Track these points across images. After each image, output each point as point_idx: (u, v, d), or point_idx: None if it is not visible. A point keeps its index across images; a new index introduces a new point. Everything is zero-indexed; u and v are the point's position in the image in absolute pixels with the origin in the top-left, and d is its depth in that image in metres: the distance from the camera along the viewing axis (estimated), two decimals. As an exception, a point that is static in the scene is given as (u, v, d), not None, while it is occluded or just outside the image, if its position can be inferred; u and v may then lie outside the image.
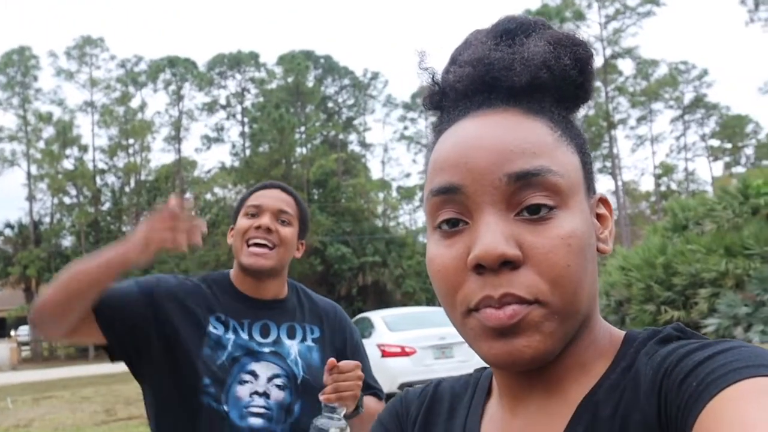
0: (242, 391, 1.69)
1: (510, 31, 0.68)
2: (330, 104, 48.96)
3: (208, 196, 45.04)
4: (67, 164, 38.93)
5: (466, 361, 10.40)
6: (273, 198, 1.82)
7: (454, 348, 10.63)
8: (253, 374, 1.72)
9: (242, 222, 1.79)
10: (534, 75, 0.65)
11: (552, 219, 0.60)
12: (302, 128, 43.98)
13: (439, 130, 0.70)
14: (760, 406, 0.46)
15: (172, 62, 42.43)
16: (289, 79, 44.16)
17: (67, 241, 39.51)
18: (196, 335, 1.71)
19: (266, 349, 1.76)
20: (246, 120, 44.18)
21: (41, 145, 38.75)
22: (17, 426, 12.17)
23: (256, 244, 1.75)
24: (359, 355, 1.94)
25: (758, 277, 16.30)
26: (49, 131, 38.91)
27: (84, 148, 39.56)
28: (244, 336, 1.75)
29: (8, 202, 78.81)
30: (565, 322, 0.61)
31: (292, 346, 1.81)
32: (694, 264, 17.90)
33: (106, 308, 1.63)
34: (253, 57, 44.69)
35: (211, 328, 1.73)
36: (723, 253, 17.58)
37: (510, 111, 0.65)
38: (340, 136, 47.69)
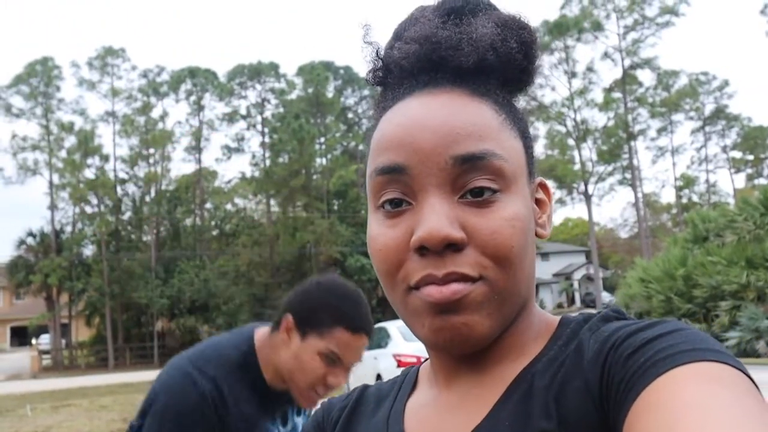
0: None
1: (457, 9, 0.67)
2: (350, 115, 49.03)
3: (229, 207, 45.24)
4: (89, 173, 39.23)
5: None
6: (357, 351, 1.64)
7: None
8: None
9: (316, 365, 1.60)
10: (481, 56, 0.64)
11: (495, 202, 0.60)
12: (322, 139, 44.05)
13: (383, 107, 0.69)
14: (701, 390, 0.48)
15: (192, 73, 42.70)
16: (309, 90, 44.27)
17: (88, 250, 39.78)
18: None
19: None
20: (266, 130, 44.31)
21: (63, 154, 39.04)
22: (35, 434, 12.17)
23: (320, 390, 1.64)
24: None
25: (783, 290, 16.06)
26: (71, 141, 39.23)
27: (105, 158, 39.84)
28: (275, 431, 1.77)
29: (31, 210, 79.66)
30: (505, 304, 0.61)
31: (299, 423, 1.83)
32: (714, 276, 17.59)
33: None
34: (273, 68, 44.87)
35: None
36: (744, 265, 17.26)
37: (456, 92, 0.64)
38: (360, 147, 47.72)
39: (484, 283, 0.59)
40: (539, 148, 42.02)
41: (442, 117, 0.62)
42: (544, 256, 55.82)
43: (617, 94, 39.13)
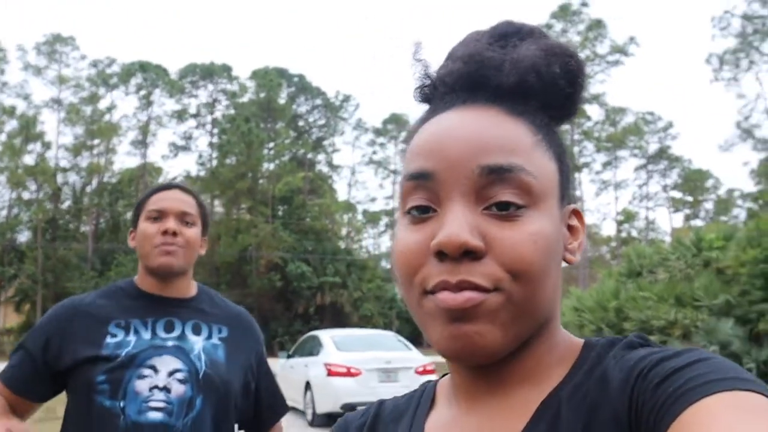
0: (141, 386, 1.68)
1: (506, 34, 0.69)
2: (300, 123, 49.18)
3: (170, 203, 44.62)
4: (29, 159, 38.36)
5: (410, 387, 10.52)
6: (175, 200, 1.82)
7: (399, 372, 10.80)
8: (153, 368, 1.70)
9: (146, 226, 1.79)
10: (522, 77, 0.65)
11: (520, 217, 0.60)
12: (271, 144, 44.10)
13: (422, 120, 0.70)
14: (734, 420, 0.48)
15: (143, 67, 42.22)
16: (261, 95, 44.32)
17: (23, 236, 38.81)
18: (91, 349, 1.71)
19: (169, 343, 1.75)
20: (215, 131, 44.09)
21: (3, 138, 38.10)
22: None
23: (163, 244, 1.77)
24: (265, 365, 2.00)
25: (705, 329, 16.86)
26: (12, 125, 38.30)
27: (47, 145, 39.06)
28: (146, 335, 1.75)
29: (-38, 192, 76.53)
30: (521, 318, 0.61)
31: (197, 342, 1.79)
32: (645, 311, 18.40)
33: (27, 394, 1.78)
34: (226, 69, 44.76)
35: (108, 339, 1.73)
36: (673, 303, 18.09)
37: (493, 109, 0.65)
38: (309, 155, 47.89)
39: (499, 295, 0.59)
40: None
41: (473, 128, 0.63)
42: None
43: (565, 126, 40.47)
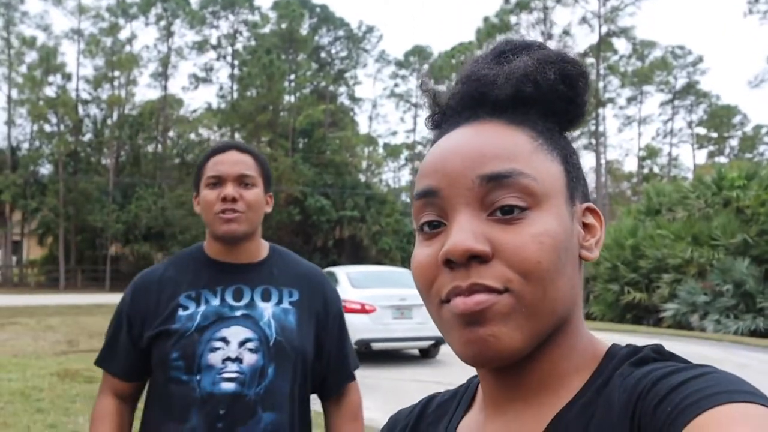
0: (214, 359, 1.71)
1: (503, 51, 0.70)
2: (322, 54, 48.48)
3: (192, 136, 44.73)
4: (50, 91, 38.32)
5: (424, 323, 10.61)
6: (232, 163, 1.80)
7: (413, 309, 10.83)
8: (224, 340, 1.73)
9: (207, 193, 1.79)
10: (517, 88, 0.67)
11: (524, 219, 0.62)
12: (292, 76, 43.61)
13: (432, 142, 0.73)
14: None
15: (164, -4, 41.65)
16: (283, 26, 43.56)
17: (45, 169, 39.17)
18: (165, 323, 1.76)
19: (238, 313, 1.77)
20: (236, 63, 43.66)
21: (24, 69, 38.07)
22: (-22, 349, 12.28)
23: (224, 211, 1.76)
24: (338, 326, 1.95)
25: (720, 268, 16.63)
26: (32, 56, 38.18)
27: (68, 77, 38.92)
28: (215, 302, 1.77)
29: (-12, 123, 77.32)
30: (535, 318, 0.61)
31: (266, 309, 1.80)
32: (661, 249, 18.17)
33: (136, 377, 1.86)
34: (248, 0, 44.00)
35: (180, 312, 1.76)
36: (690, 241, 17.84)
37: (493, 122, 0.67)
38: (330, 88, 47.35)
39: (510, 296, 0.60)
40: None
41: (471, 142, 0.65)
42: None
43: (590, 60, 39.27)
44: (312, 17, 47.19)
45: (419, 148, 45.55)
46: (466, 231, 0.61)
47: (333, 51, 49.49)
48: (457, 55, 43.71)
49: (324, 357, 1.89)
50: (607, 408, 0.59)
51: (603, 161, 43.99)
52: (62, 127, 38.52)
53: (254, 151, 1.87)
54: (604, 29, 40.83)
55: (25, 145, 38.95)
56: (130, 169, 40.35)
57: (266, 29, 44.59)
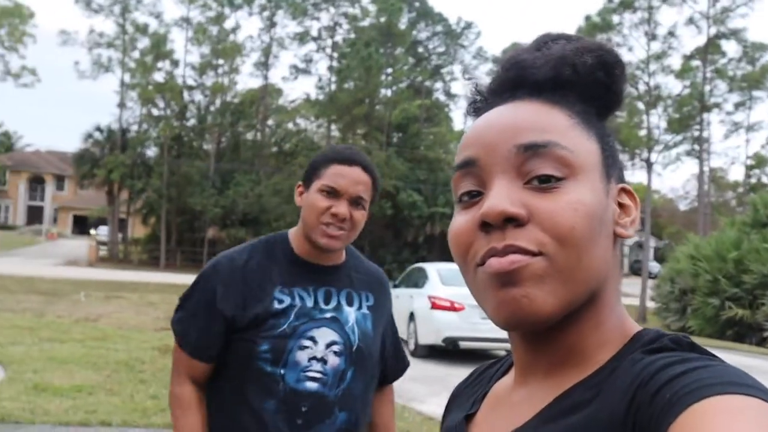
0: (301, 356, 1.76)
1: (545, 41, 0.72)
2: (420, 49, 48.43)
3: (290, 126, 45.68)
4: (158, 77, 39.93)
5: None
6: (353, 181, 1.80)
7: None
8: (313, 340, 1.78)
9: (318, 199, 1.79)
10: (556, 70, 0.69)
11: (560, 188, 0.64)
12: (389, 70, 43.75)
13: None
14: (727, 423, 0.47)
15: (269, -13, 42.61)
16: (382, 19, 43.76)
17: (151, 152, 40.84)
18: (259, 318, 1.78)
19: (327, 315, 1.82)
20: (335, 55, 44.22)
21: (136, 54, 39.78)
22: (87, 319, 13.01)
23: (331, 226, 1.78)
24: (393, 324, 2.08)
25: (832, 287, 15.70)
26: (144, 42, 39.82)
27: (175, 63, 40.44)
28: (309, 303, 1.81)
29: (101, 106, 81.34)
30: (568, 284, 0.62)
31: (351, 314, 1.86)
32: (767, 264, 17.30)
33: (212, 359, 1.84)
34: (350, -8, 44.42)
35: (275, 305, 1.78)
36: (800, 257, 16.90)
37: (530, 101, 0.69)
38: (426, 83, 47.27)
39: (544, 259, 0.62)
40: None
41: (509, 115, 0.68)
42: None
43: (696, 63, 37.61)
44: (411, 11, 47.21)
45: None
46: (502, 195, 0.63)
47: (430, 46, 49.37)
48: (557, 53, 42.75)
49: (385, 355, 2.01)
50: (611, 391, 0.60)
51: (706, 169, 42.16)
52: (168, 111, 40.12)
53: (375, 171, 1.88)
54: (713, 30, 39.05)
55: (134, 128, 40.75)
56: (230, 155, 41.56)
57: (365, 22, 44.90)
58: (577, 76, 0.69)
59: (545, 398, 0.66)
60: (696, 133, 39.76)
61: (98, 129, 39.85)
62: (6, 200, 63.95)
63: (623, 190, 0.72)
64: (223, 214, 37.36)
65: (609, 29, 39.15)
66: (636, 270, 51.49)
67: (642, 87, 40.08)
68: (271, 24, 43.48)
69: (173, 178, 37.80)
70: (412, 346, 11.45)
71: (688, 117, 38.21)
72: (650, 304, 22.98)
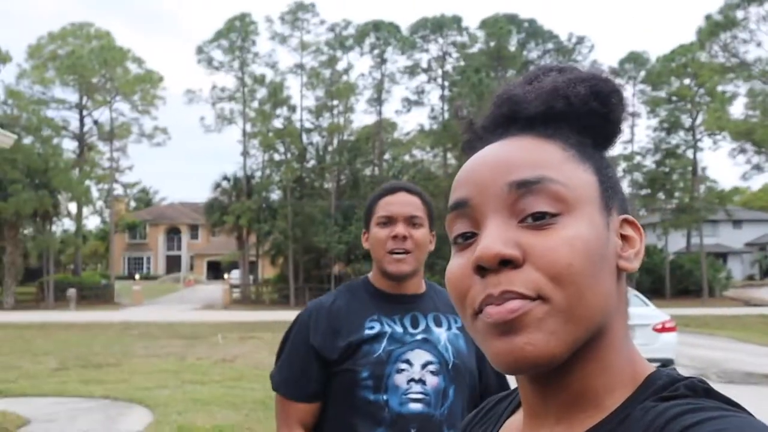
0: (400, 380, 1.81)
1: (537, 75, 0.72)
2: (531, 68, 47.81)
3: (407, 158, 46.10)
4: (277, 123, 41.54)
5: (647, 344, 9.94)
6: (401, 204, 1.91)
7: (636, 330, 10.17)
8: (408, 362, 1.83)
9: (377, 231, 1.91)
10: (548, 104, 0.67)
11: (555, 224, 0.62)
12: (501, 93, 43.40)
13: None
14: None
15: (377, 26, 43.47)
16: (491, 44, 43.64)
17: (275, 195, 42.46)
18: (351, 346, 1.84)
19: (418, 337, 1.87)
20: (446, 83, 44.41)
21: (255, 104, 41.61)
22: (224, 360, 13.48)
23: (395, 252, 1.87)
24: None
25: None
26: (262, 92, 41.61)
27: (293, 108, 41.97)
28: (399, 329, 1.87)
29: (226, 156, 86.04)
30: (570, 323, 0.60)
31: (441, 334, 1.90)
32: None
33: (316, 398, 1.89)
34: (456, 21, 44.60)
35: (366, 331, 1.86)
36: None
37: (523, 137, 0.68)
38: (540, 102, 46.50)
39: (543, 302, 0.59)
40: (738, 108, 38.52)
41: (500, 152, 0.66)
42: (736, 223, 51.96)
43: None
44: (520, 32, 46.75)
45: (637, 158, 43.11)
46: (494, 236, 0.61)
47: (542, 64, 48.61)
48: (677, 58, 40.96)
49: (484, 378, 1.98)
50: None
51: None
52: (289, 155, 41.59)
53: (421, 192, 1.99)
54: None
55: (258, 174, 42.51)
56: (350, 192, 42.38)
57: (474, 48, 44.91)
58: (571, 108, 0.67)
59: None
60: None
61: (225, 178, 41.93)
62: (147, 252, 68.17)
63: (626, 221, 0.69)
64: (347, 249, 37.99)
65: (733, 26, 37.05)
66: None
67: (776, 83, 37.57)
68: (382, 60, 44.30)
69: (297, 219, 38.97)
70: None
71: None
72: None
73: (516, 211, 0.63)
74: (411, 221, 1.89)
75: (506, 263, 0.60)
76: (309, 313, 1.94)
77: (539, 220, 0.62)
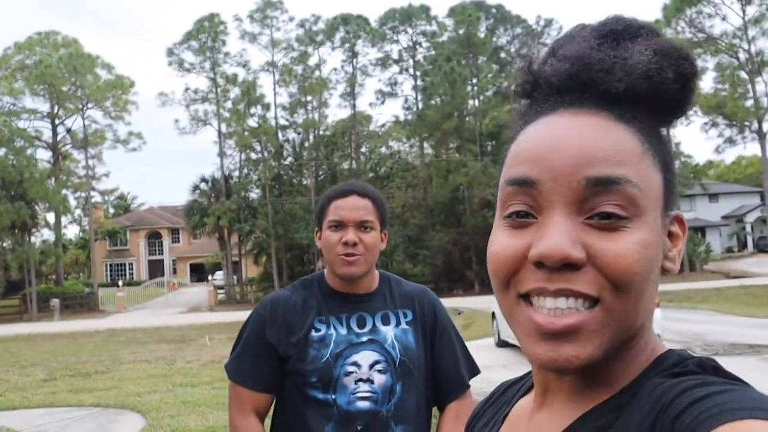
0: (348, 381, 1.90)
1: (616, 32, 0.65)
2: (502, 54, 48.00)
3: (383, 150, 46.21)
4: (252, 122, 41.52)
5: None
6: (352, 209, 1.95)
7: None
8: (356, 364, 1.91)
9: (329, 235, 1.95)
10: (633, 83, 0.62)
11: (623, 228, 0.59)
12: (474, 80, 43.63)
13: (525, 120, 0.68)
14: None
15: (345, 20, 43.45)
16: (460, 31, 43.76)
17: (254, 194, 42.46)
18: (300, 344, 1.93)
19: (364, 338, 1.95)
20: (418, 74, 44.52)
21: (229, 105, 41.53)
22: (213, 362, 13.51)
23: (346, 255, 1.92)
24: (448, 337, 2.08)
25: None
26: (235, 92, 41.57)
27: (267, 107, 41.93)
28: (343, 331, 1.95)
29: (203, 158, 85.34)
30: (619, 334, 0.60)
31: (388, 332, 1.98)
32: None
33: (271, 389, 1.98)
34: (424, 10, 44.68)
35: (313, 333, 1.94)
36: None
37: (601, 115, 0.63)
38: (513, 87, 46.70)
39: (601, 308, 0.58)
40: (707, 83, 39.04)
41: (581, 137, 0.61)
42: (713, 197, 52.57)
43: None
44: (488, 18, 46.94)
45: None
46: (563, 234, 0.58)
47: (512, 49, 48.87)
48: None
49: (440, 369, 2.04)
50: (630, 416, 0.58)
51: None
52: (266, 153, 41.59)
53: (372, 193, 2.01)
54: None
55: (236, 174, 42.44)
56: (329, 187, 41.54)
57: (444, 37, 45.03)
58: (653, 90, 0.63)
59: (566, 420, 0.64)
60: None
61: (203, 180, 41.81)
62: (129, 258, 67.71)
63: (676, 217, 0.66)
64: (330, 245, 38.03)
65: (698, 1, 37.49)
66: (762, 247, 48.63)
67: (743, 55, 38.08)
68: (353, 54, 44.31)
69: (278, 216, 39.02)
70: (496, 339, 14.10)
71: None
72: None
73: (584, 208, 0.59)
74: (361, 225, 1.93)
75: (569, 265, 0.58)
76: (265, 307, 2.01)
77: (606, 219, 0.59)
